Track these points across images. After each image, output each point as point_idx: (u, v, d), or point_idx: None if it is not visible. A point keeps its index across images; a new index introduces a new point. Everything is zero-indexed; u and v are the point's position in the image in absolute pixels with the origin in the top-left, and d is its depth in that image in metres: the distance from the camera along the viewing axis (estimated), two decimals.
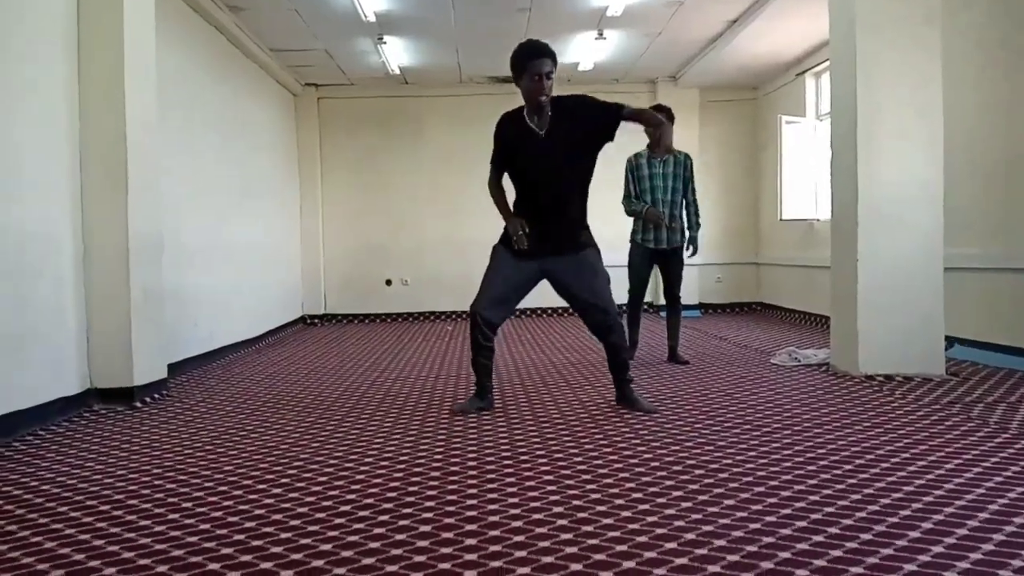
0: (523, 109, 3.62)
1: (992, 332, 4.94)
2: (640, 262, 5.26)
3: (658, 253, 5.23)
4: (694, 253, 5.28)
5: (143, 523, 2.22)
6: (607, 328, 3.68)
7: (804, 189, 8.08)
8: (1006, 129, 4.86)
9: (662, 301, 9.64)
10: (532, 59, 3.49)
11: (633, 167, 5.21)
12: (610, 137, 3.56)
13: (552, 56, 3.52)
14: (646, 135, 5.12)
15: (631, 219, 5.27)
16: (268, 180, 8.01)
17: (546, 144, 3.55)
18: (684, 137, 9.39)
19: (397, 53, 7.81)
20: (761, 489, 2.38)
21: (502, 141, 3.67)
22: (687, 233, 5.27)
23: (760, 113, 9.49)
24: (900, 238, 4.39)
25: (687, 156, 5.24)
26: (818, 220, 7.72)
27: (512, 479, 2.56)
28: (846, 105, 4.52)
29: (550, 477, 2.57)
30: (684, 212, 5.25)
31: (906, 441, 2.97)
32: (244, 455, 3.00)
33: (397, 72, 8.48)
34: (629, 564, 1.83)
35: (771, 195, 8.73)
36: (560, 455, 2.86)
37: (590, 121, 3.55)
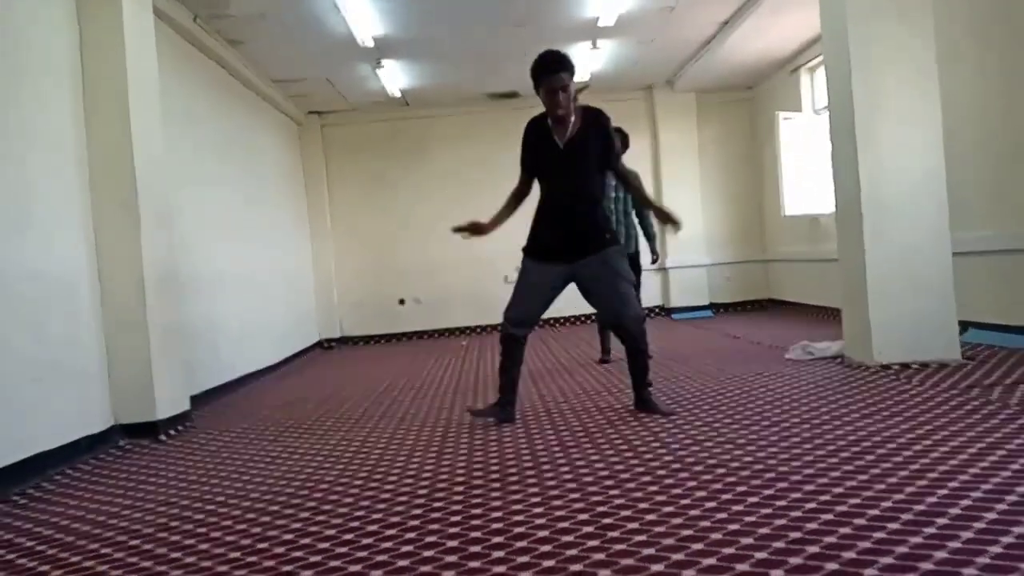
0: (547, 115, 3.68)
1: (1007, 314, 4.91)
2: None
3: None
4: (655, 260, 5.89)
5: (174, 555, 2.25)
6: (630, 333, 3.70)
7: (806, 184, 8.08)
8: (1008, 109, 4.85)
9: (672, 304, 9.63)
10: (547, 74, 3.55)
11: None
12: (608, 168, 3.75)
13: (569, 68, 3.57)
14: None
15: None
16: (277, 208, 8.08)
17: (564, 152, 3.63)
18: (683, 140, 9.47)
19: (396, 76, 7.89)
20: (784, 485, 2.39)
21: (528, 145, 3.74)
22: (644, 238, 5.74)
23: (757, 111, 9.51)
24: (906, 225, 4.39)
25: (636, 175, 5.68)
26: (823, 214, 7.72)
27: (536, 489, 2.58)
28: (842, 97, 4.53)
29: (573, 485, 2.59)
30: (641, 222, 5.70)
31: (927, 428, 2.97)
32: (269, 482, 3.03)
33: (398, 95, 8.56)
34: (658, 568, 1.84)
35: (774, 192, 8.74)
36: (582, 463, 2.88)
37: (599, 145, 3.65)
